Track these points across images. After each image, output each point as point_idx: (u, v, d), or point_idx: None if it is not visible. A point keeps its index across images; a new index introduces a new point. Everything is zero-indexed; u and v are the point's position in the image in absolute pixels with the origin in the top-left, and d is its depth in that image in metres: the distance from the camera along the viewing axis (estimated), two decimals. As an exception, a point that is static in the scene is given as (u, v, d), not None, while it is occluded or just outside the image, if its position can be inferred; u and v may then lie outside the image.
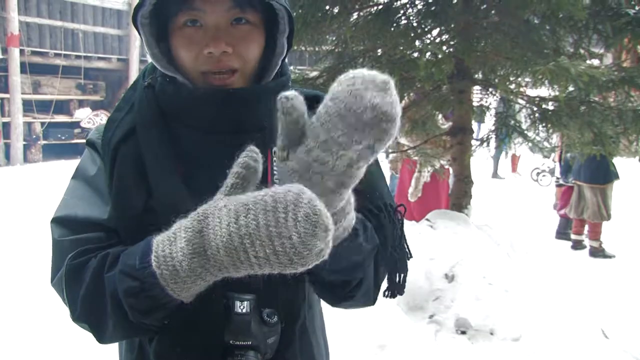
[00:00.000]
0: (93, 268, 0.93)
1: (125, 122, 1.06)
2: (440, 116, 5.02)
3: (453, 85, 4.27)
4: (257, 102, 1.03)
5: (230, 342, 0.93)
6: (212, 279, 0.80)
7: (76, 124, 14.64)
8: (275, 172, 1.04)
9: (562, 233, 7.03)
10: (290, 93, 0.77)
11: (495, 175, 12.53)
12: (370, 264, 1.01)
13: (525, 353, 3.37)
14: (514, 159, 13.24)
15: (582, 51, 3.99)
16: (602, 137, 3.71)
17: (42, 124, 13.84)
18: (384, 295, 1.12)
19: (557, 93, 3.79)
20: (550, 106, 3.95)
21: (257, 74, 1.07)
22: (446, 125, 4.99)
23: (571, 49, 4.07)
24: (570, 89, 3.74)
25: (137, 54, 15.06)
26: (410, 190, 5.88)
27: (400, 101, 4.37)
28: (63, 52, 13.91)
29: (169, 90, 1.04)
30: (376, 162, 1.14)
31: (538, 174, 11.85)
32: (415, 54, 3.80)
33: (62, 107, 14.64)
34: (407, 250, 1.10)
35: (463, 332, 3.52)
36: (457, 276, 3.74)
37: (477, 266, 3.82)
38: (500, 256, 4.08)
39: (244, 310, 0.92)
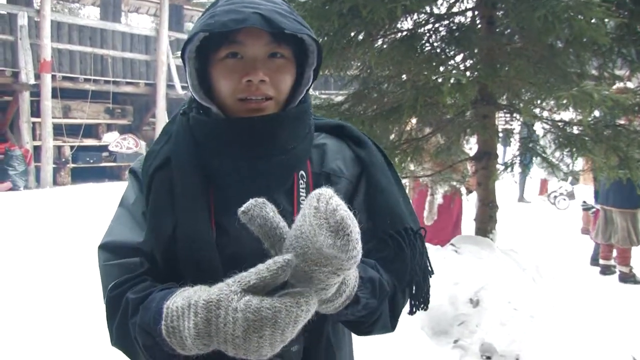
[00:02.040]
0: (122, 309, 1.02)
1: (163, 152, 1.16)
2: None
3: (477, 111, 4.29)
4: (282, 127, 1.10)
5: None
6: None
7: (104, 148, 14.91)
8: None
9: (597, 259, 6.84)
10: (249, 203, 0.87)
11: (521, 199, 12.44)
12: (382, 306, 1.07)
13: (553, 381, 3.33)
14: (543, 183, 13.14)
15: (606, 75, 3.98)
16: (628, 161, 3.69)
17: (72, 147, 14.12)
18: (408, 313, 1.19)
19: (581, 117, 3.78)
20: (575, 130, 3.94)
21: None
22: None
23: (596, 73, 4.07)
24: (595, 113, 3.74)
25: (164, 79, 15.32)
26: (425, 214, 5.94)
27: (424, 126, 4.40)
28: (92, 77, 14.25)
29: (203, 120, 1.12)
30: (398, 182, 1.22)
31: (555, 197, 11.75)
32: (439, 80, 3.83)
33: (91, 131, 14.93)
34: (429, 267, 1.18)
35: (488, 358, 3.49)
36: (482, 301, 3.72)
37: (502, 291, 3.79)
38: (526, 281, 4.05)
39: None
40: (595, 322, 4.47)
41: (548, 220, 9.99)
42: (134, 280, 1.05)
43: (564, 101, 3.04)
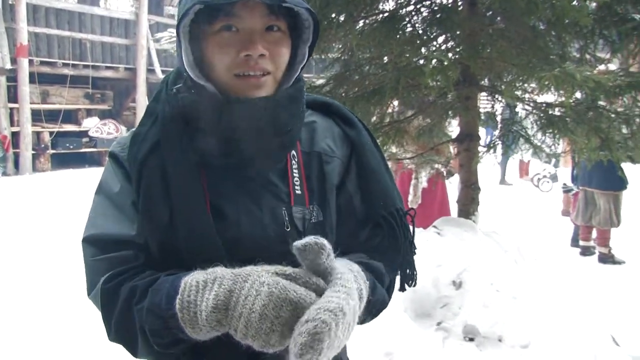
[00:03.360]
0: (124, 297, 0.98)
1: (150, 136, 1.10)
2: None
3: (459, 92, 4.28)
4: (282, 109, 1.06)
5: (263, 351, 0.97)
6: (225, 332, 0.89)
7: (84, 133, 14.77)
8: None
9: (577, 241, 7.00)
10: (307, 243, 0.87)
11: (502, 181, 12.52)
12: (382, 297, 1.11)
13: (534, 360, 3.36)
14: (522, 165, 13.24)
15: (588, 57, 3.98)
16: (609, 142, 3.70)
17: (51, 133, 13.95)
18: (399, 290, 1.24)
19: (563, 99, 3.78)
20: (557, 112, 3.94)
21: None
22: None
23: (577, 55, 4.07)
24: (577, 94, 3.73)
25: (144, 63, 15.15)
26: (410, 198, 5.96)
27: (406, 108, 4.39)
28: (71, 61, 14.06)
29: (200, 100, 1.05)
30: (385, 161, 1.24)
31: (539, 179, 11.85)
32: (421, 61, 3.81)
33: (71, 116, 14.77)
34: (414, 248, 1.22)
35: (471, 339, 3.51)
36: (464, 283, 3.73)
37: (484, 273, 3.80)
38: (508, 263, 4.07)
39: None
40: (575, 303, 4.51)
41: (529, 202, 10.08)
42: (132, 271, 1.02)
43: (546, 82, 3.02)
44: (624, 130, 3.86)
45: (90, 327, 3.99)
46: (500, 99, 4.54)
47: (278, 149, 1.09)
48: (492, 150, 4.36)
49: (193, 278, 0.90)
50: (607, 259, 6.20)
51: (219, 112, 1.03)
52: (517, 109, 4.57)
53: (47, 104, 13.94)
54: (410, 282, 1.22)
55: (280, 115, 1.06)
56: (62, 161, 14.08)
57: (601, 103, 3.92)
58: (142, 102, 14.93)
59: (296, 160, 1.14)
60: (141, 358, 1.02)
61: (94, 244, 1.05)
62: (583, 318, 4.15)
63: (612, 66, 4.47)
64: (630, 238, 6.70)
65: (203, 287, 0.88)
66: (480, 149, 4.56)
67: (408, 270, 1.21)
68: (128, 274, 1.01)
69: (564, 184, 8.13)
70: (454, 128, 5.72)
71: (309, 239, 0.86)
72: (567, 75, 2.93)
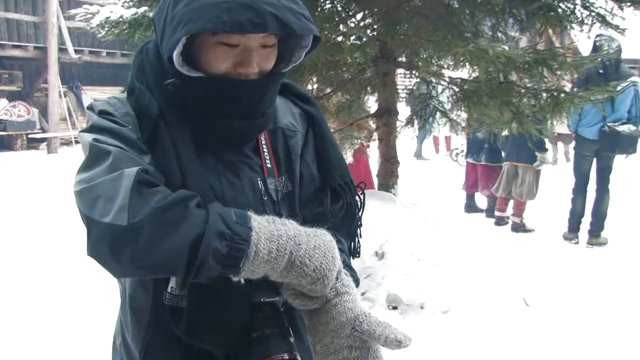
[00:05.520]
0: (179, 194, 0.93)
1: (154, 98, 1.09)
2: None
3: (377, 68, 4.36)
4: (268, 92, 1.12)
5: (262, 299, 1.03)
6: (272, 276, 0.96)
7: (-8, 116, 14.00)
8: None
9: (471, 205, 7.61)
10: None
11: (419, 156, 12.85)
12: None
13: (454, 324, 3.52)
14: (436, 140, 13.62)
15: (499, 34, 4.15)
16: (520, 115, 3.89)
17: (-44, 116, 13.17)
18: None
19: (477, 74, 3.93)
20: (471, 87, 4.09)
21: None
22: None
23: (489, 32, 4.23)
24: (489, 70, 3.89)
25: (55, 42, 14.44)
26: None
27: (326, 85, 4.41)
28: (-26, 40, 13.25)
29: (194, 90, 1.07)
30: (335, 142, 1.32)
31: (457, 154, 12.25)
32: (340, 38, 3.86)
33: (-23, 98, 13.96)
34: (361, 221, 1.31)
35: (394, 308, 3.63)
36: (386, 254, 3.85)
37: (405, 243, 3.94)
38: (428, 233, 4.22)
39: None
40: (490, 269, 4.74)
41: (445, 175, 10.40)
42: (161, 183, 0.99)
43: (462, 57, 3.15)
44: (533, 104, 4.06)
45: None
46: (416, 74, 4.67)
47: (256, 129, 1.16)
48: (410, 125, 4.49)
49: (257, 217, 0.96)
50: (519, 228, 6.53)
51: (215, 94, 1.06)
52: (433, 85, 4.71)
53: (-51, 86, 13.17)
54: (357, 254, 1.32)
55: (265, 97, 1.12)
56: (-31, 145, 13.38)
57: (512, 79, 4.11)
58: (54, 82, 14.25)
59: (264, 136, 1.21)
60: (138, 261, 0.89)
61: (106, 144, 1.00)
62: (497, 283, 4.37)
63: (522, 44, 4.68)
64: (538, 209, 7.08)
65: (281, 224, 0.96)
66: (398, 123, 4.67)
67: (356, 242, 1.32)
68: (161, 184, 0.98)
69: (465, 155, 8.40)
70: (372, 104, 5.84)
71: None
72: (480, 51, 3.07)
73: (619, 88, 4.82)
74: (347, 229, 1.27)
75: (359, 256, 1.33)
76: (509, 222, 6.76)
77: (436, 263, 3.86)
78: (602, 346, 3.51)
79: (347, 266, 1.13)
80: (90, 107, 1.10)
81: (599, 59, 5.16)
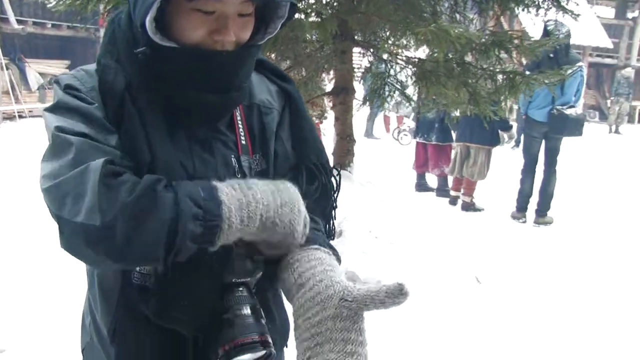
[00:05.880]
0: (145, 181, 0.92)
1: (120, 72, 1.05)
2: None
3: (336, 46, 4.35)
4: (244, 65, 1.08)
5: (233, 280, 1.01)
6: (245, 237, 0.98)
7: None
8: None
9: (421, 184, 7.76)
10: None
11: (369, 135, 12.94)
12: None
13: (409, 301, 3.56)
14: (387, 120, 13.75)
15: (457, 16, 4.19)
16: (476, 96, 3.95)
17: None
18: None
19: (434, 55, 3.97)
20: (429, 67, 4.13)
21: None
22: None
23: (448, 14, 4.27)
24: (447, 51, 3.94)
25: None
26: None
27: (283, 61, 4.38)
28: None
29: (166, 60, 1.02)
30: (311, 121, 1.30)
31: (399, 133, 12.41)
32: (300, 15, 3.83)
33: None
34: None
35: (352, 285, 3.66)
36: (344, 231, 3.88)
37: (363, 221, 3.97)
38: (384, 211, 4.27)
39: (242, 251, 1.02)
40: (444, 247, 4.84)
41: (395, 155, 10.52)
42: (129, 170, 0.96)
43: (422, 37, 3.17)
44: (489, 86, 4.13)
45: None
46: (375, 53, 4.68)
47: (231, 103, 1.12)
48: (366, 103, 4.51)
49: (226, 183, 0.97)
50: (469, 207, 6.68)
51: (189, 66, 1.02)
52: (391, 64, 4.73)
53: None
54: (332, 235, 1.30)
55: (240, 70, 1.08)
56: None
57: (468, 60, 4.17)
58: (-6, 53, 13.68)
59: (239, 112, 1.17)
60: (117, 257, 0.90)
61: (71, 132, 0.97)
62: (450, 261, 4.47)
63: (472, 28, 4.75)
64: (488, 188, 7.26)
65: (247, 188, 0.96)
66: (356, 102, 4.69)
67: (331, 223, 1.30)
68: (127, 169, 0.96)
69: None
70: (327, 83, 5.83)
71: None
72: (442, 32, 3.10)
73: (569, 72, 4.95)
74: (321, 210, 1.25)
75: (333, 238, 1.30)
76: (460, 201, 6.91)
77: (393, 241, 3.92)
78: (550, 321, 3.64)
79: (328, 245, 1.12)
80: (57, 81, 1.06)
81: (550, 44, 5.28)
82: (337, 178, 1.27)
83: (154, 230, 0.89)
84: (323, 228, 1.25)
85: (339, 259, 1.10)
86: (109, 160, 0.92)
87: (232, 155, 1.13)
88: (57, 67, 15.58)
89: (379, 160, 9.61)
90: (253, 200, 0.95)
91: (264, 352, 0.95)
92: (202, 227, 0.90)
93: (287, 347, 1.31)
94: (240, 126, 1.16)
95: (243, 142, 1.15)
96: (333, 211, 1.29)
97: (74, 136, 0.95)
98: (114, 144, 0.98)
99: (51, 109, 1.01)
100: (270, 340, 0.97)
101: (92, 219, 0.87)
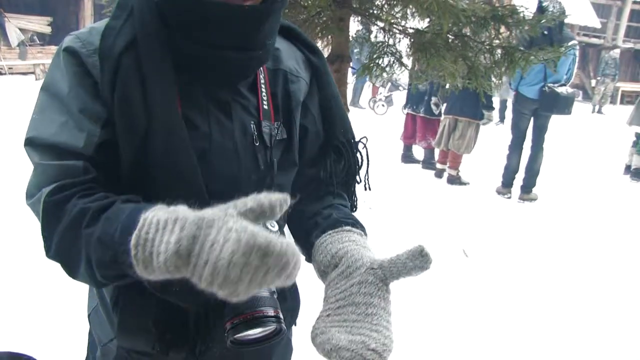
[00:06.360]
0: (72, 217, 0.88)
1: (126, 30, 0.99)
2: None
3: (334, 13, 4.29)
4: (268, 21, 1.00)
5: None
6: (180, 277, 0.77)
7: None
8: None
9: (408, 156, 7.80)
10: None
11: (355, 104, 12.89)
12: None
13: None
14: (375, 90, 13.68)
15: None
16: (474, 70, 3.93)
17: None
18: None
19: (435, 27, 3.93)
20: (428, 39, 4.09)
21: None
22: None
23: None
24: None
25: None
26: None
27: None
28: None
29: (181, 3, 0.96)
30: (339, 97, 1.24)
31: (374, 103, 12.38)
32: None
33: None
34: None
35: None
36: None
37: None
38: (366, 180, 4.27)
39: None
40: (430, 220, 4.88)
41: (381, 125, 10.50)
42: (81, 186, 0.92)
43: (426, 7, 3.13)
44: (488, 60, 4.11)
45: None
46: (374, 22, 4.62)
47: (254, 63, 1.05)
48: (367, 73, 4.46)
49: (154, 215, 0.78)
50: (455, 180, 6.71)
51: (208, 16, 0.96)
52: (390, 33, 4.67)
53: None
54: (355, 208, 1.29)
55: (265, 27, 1.00)
56: None
57: (467, 33, 4.13)
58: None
59: (263, 75, 1.11)
60: (80, 281, 0.93)
61: (38, 148, 0.95)
62: (437, 234, 4.51)
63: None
64: (474, 163, 7.30)
65: (163, 226, 0.76)
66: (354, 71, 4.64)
67: (354, 197, 1.27)
68: (77, 189, 0.91)
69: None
70: (322, 50, 5.76)
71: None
72: (446, 3, 3.06)
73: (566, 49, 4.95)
74: (347, 187, 1.24)
75: (355, 210, 1.28)
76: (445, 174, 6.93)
77: (372, 206, 3.92)
78: (535, 294, 3.71)
79: (354, 220, 1.10)
80: (63, 42, 1.02)
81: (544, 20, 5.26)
82: (362, 152, 1.23)
83: (84, 268, 0.88)
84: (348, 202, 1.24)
85: (365, 233, 1.09)
86: (58, 187, 0.91)
87: (252, 122, 1.07)
88: (38, 24, 15.15)
89: (364, 130, 9.57)
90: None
91: (274, 326, 0.91)
92: (116, 269, 0.82)
93: (295, 325, 1.30)
94: (264, 90, 1.10)
95: (265, 106, 1.09)
96: (355, 185, 1.26)
97: (40, 151, 0.95)
98: (81, 145, 0.94)
99: (42, 86, 1.01)
100: (281, 315, 0.93)
101: (45, 249, 0.93)
